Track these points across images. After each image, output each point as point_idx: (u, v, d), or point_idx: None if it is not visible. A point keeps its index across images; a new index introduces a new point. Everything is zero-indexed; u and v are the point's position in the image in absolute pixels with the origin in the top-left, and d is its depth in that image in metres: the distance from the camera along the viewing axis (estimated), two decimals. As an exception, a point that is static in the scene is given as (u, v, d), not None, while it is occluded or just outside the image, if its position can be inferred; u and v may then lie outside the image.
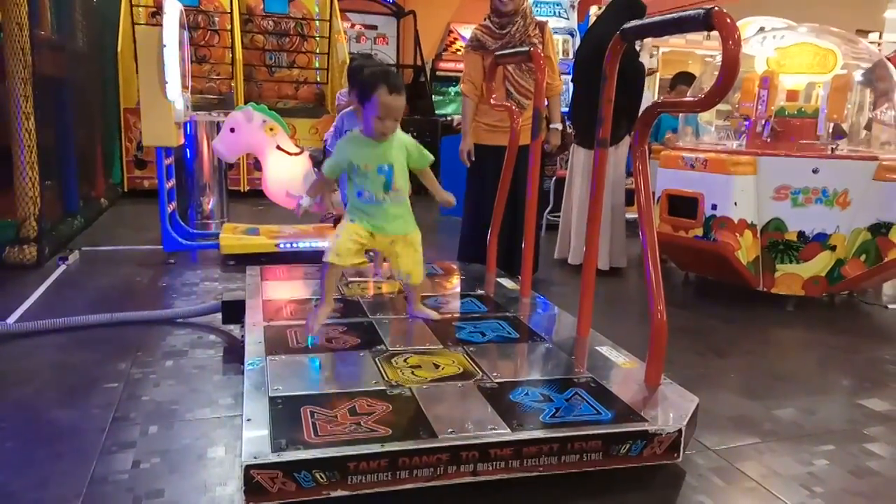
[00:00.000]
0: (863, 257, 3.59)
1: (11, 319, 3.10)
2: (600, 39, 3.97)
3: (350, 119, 3.77)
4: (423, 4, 9.90)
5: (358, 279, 3.17)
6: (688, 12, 1.92)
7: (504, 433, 1.68)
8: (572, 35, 8.07)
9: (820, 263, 3.63)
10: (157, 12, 7.21)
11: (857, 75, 4.11)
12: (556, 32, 7.36)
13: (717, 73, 1.81)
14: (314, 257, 3.98)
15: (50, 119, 4.54)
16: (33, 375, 2.52)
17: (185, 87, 4.28)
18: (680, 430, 1.78)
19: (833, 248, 3.61)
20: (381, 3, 10.01)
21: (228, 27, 7.60)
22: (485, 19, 3.75)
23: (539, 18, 3.82)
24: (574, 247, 4.50)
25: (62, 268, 4.05)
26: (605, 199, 4.38)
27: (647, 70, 4.81)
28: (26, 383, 2.43)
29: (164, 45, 3.86)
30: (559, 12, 7.55)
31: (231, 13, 7.60)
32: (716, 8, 1.81)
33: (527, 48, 3.19)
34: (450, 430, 1.67)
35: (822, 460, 2.07)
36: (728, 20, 1.79)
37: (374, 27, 9.99)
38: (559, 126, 3.82)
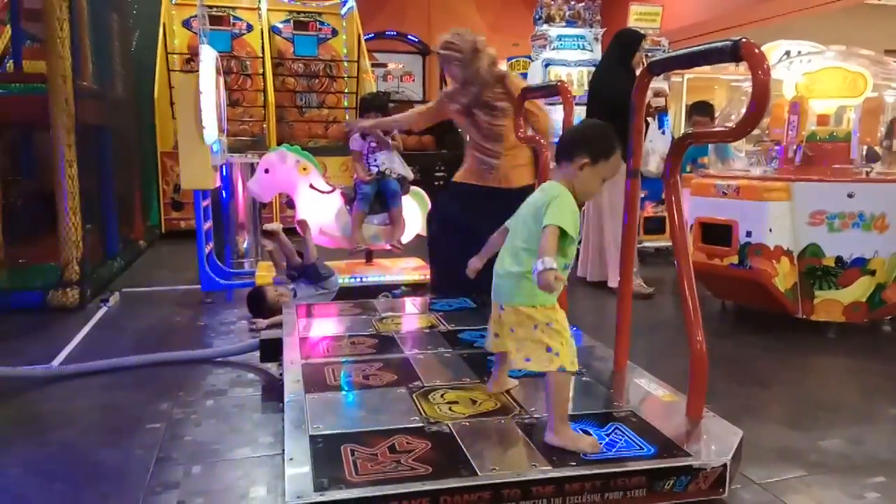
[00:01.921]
0: (904, 281, 3.51)
1: (56, 362, 3.17)
2: (598, 72, 4.77)
3: None
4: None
5: (391, 314, 3.19)
6: (715, 44, 1.94)
7: (546, 470, 1.67)
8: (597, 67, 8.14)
9: (860, 289, 3.56)
10: (191, 59, 7.46)
11: (889, 97, 4.08)
12: (580, 65, 7.43)
13: (744, 98, 1.81)
14: (348, 294, 4.04)
15: (91, 165, 4.70)
16: (78, 416, 2.57)
17: (220, 130, 4.41)
18: (725, 465, 1.75)
19: (873, 273, 3.54)
20: (408, 42, 10.24)
21: (260, 71, 7.82)
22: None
23: (500, 71, 3.54)
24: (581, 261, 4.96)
25: (104, 310, 4.15)
26: (612, 222, 4.55)
27: (657, 107, 4.85)
28: (72, 424, 2.49)
29: (202, 92, 3.99)
30: (583, 45, 7.61)
31: (263, 58, 7.83)
32: (743, 39, 1.82)
33: (555, 83, 3.23)
34: (491, 468, 1.67)
35: (873, 493, 2.01)
36: (756, 50, 1.79)
37: (385, 66, 10.28)
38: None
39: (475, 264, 2.23)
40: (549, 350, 1.85)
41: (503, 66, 9.18)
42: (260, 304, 3.86)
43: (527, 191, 3.41)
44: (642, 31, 4.95)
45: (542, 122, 3.57)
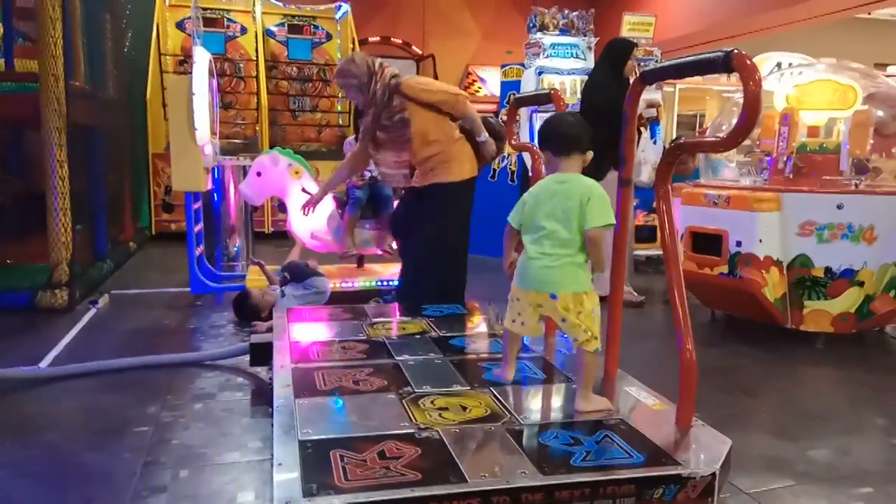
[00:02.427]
0: (892, 293, 3.54)
1: (44, 363, 3.15)
2: (590, 81, 4.69)
3: None
4: (442, 47, 10.13)
5: (382, 319, 3.18)
6: (707, 54, 1.95)
7: (535, 477, 1.67)
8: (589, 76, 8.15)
9: (848, 300, 3.58)
10: (184, 61, 7.45)
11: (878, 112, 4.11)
12: (573, 73, 7.45)
13: (735, 109, 1.83)
14: (340, 298, 4.03)
15: (82, 166, 4.68)
16: (65, 419, 2.56)
17: (213, 133, 4.39)
18: (714, 474, 1.75)
19: (861, 284, 3.57)
20: (402, 48, 10.25)
21: (254, 74, 7.81)
22: None
23: (394, 81, 3.47)
24: None
25: (92, 311, 4.12)
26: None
27: (649, 118, 4.86)
28: (58, 427, 2.47)
29: (194, 94, 3.98)
30: (576, 53, 7.64)
31: (256, 60, 7.82)
32: (735, 50, 1.83)
33: (548, 91, 3.25)
34: (481, 475, 1.67)
35: (860, 503, 2.02)
36: (748, 62, 1.80)
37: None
38: (484, 136, 3.58)
39: (512, 258, 2.30)
40: (587, 332, 2.06)
41: (496, 72, 9.19)
42: (245, 306, 3.85)
43: (461, 185, 3.51)
44: (634, 41, 4.98)
45: (457, 106, 3.49)
